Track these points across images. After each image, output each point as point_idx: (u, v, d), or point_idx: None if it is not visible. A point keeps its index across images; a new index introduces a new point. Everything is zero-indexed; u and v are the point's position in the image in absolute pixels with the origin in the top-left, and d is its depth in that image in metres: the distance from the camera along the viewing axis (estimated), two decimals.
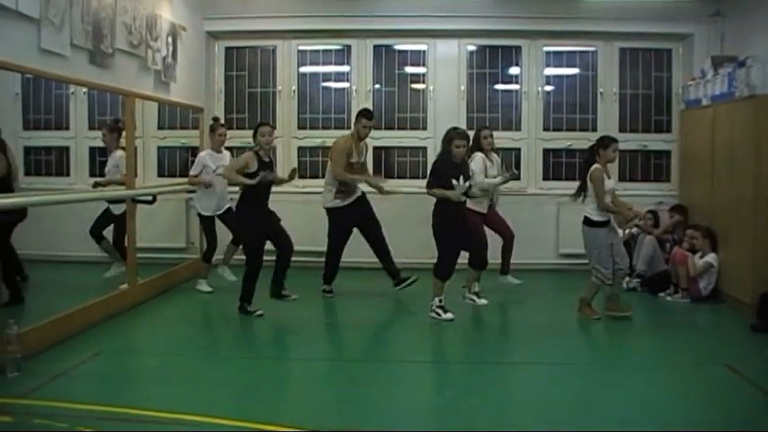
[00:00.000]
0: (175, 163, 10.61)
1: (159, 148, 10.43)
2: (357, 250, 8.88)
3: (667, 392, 5.51)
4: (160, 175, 10.38)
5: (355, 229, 8.63)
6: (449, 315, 7.46)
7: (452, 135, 7.53)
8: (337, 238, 8.52)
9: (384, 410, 5.14)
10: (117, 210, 8.15)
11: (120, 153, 8.19)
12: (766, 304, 7.37)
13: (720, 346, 6.86)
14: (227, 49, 10.87)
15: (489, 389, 5.68)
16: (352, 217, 8.50)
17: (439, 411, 5.25)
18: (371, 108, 10.26)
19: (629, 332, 7.43)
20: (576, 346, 6.90)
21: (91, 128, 9.34)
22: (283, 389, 5.79)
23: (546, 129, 10.68)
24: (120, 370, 5.97)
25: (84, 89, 8.59)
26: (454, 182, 7.37)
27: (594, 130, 10.60)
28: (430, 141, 10.57)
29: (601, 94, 10.64)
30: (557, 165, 10.71)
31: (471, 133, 8.34)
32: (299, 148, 10.76)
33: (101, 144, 8.61)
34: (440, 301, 7.54)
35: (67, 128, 9.04)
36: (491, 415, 5.09)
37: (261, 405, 5.22)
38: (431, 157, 10.44)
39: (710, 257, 8.51)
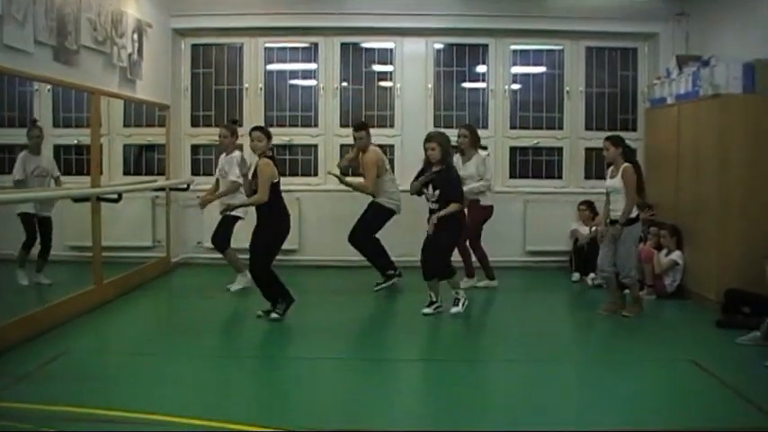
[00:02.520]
0: (141, 160, 10.53)
1: (125, 145, 10.35)
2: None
3: (633, 388, 5.54)
4: (126, 173, 10.29)
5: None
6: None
7: (425, 139, 7.71)
8: None
9: (367, 410, 5.15)
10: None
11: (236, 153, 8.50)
12: (731, 300, 7.46)
13: (686, 342, 6.92)
14: (194, 46, 10.77)
15: (457, 386, 5.67)
16: None
17: (402, 410, 5.24)
18: (339, 105, 10.38)
19: (596, 329, 7.50)
20: (541, 343, 6.88)
21: (55, 125, 9.25)
22: (254, 388, 5.76)
23: (513, 127, 10.70)
24: (86, 370, 5.87)
25: (49, 86, 8.47)
26: (425, 191, 7.55)
27: (561, 128, 10.72)
28: (397, 139, 10.57)
29: (567, 92, 10.69)
30: (523, 163, 10.74)
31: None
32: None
33: (66, 141, 8.52)
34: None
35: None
36: (458, 413, 5.08)
37: (230, 404, 5.18)
38: (398, 155, 10.54)
39: (676, 255, 8.59)
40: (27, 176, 8.04)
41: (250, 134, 7.31)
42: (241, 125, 10.16)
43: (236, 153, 8.55)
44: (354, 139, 8.78)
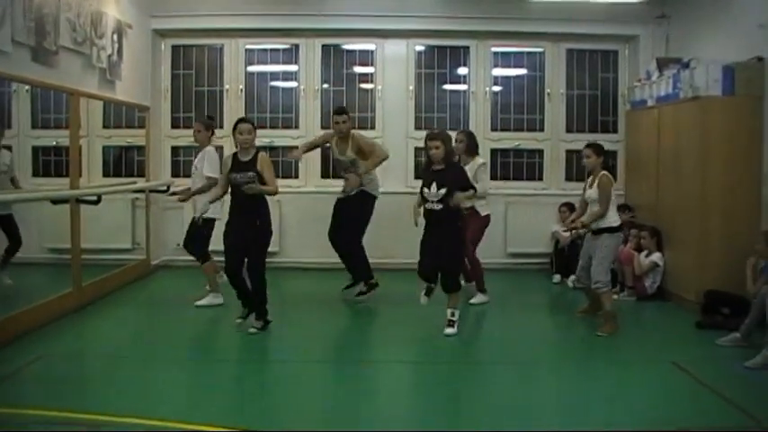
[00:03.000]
0: (121, 162, 10.46)
1: (105, 147, 10.27)
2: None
3: (615, 390, 5.57)
4: (105, 174, 10.22)
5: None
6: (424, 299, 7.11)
7: (426, 137, 7.24)
8: None
9: (348, 412, 5.15)
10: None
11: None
12: (711, 301, 7.51)
13: (667, 344, 6.95)
14: (174, 47, 10.72)
15: (438, 389, 5.70)
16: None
17: (383, 412, 5.23)
18: (320, 107, 10.34)
19: (576, 330, 7.49)
20: (522, 345, 6.91)
21: (34, 126, 9.16)
22: (230, 391, 5.70)
23: (494, 129, 10.71)
24: (64, 373, 5.83)
25: (27, 87, 8.39)
26: (425, 191, 7.03)
27: (542, 130, 10.75)
28: (378, 141, 10.49)
29: (548, 94, 10.72)
30: (504, 165, 10.75)
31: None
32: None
33: (43, 143, 8.46)
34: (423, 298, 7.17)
35: (9, 126, 8.82)
36: (439, 415, 5.10)
37: (208, 407, 5.15)
38: None
39: (656, 256, 8.64)
40: None
41: (236, 127, 7.04)
42: (222, 127, 10.19)
43: (210, 148, 8.27)
44: (335, 124, 8.40)
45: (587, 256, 7.43)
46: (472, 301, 8.36)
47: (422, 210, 7.09)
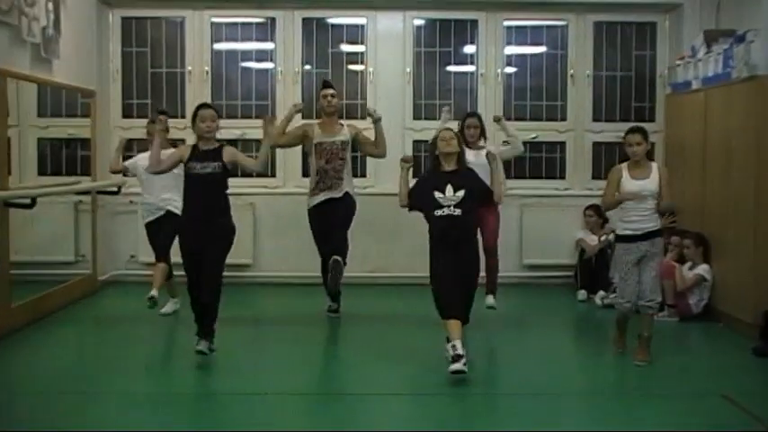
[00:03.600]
0: (60, 158, 10.35)
1: (40, 139, 10.09)
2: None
3: (654, 428, 5.53)
4: (41, 172, 10.03)
5: None
6: (456, 366, 6.38)
7: (435, 137, 7.07)
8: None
9: None
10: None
11: None
12: None
13: (717, 374, 6.87)
14: (125, 19, 10.61)
15: (447, 423, 5.70)
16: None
17: None
18: (301, 92, 10.30)
19: (607, 357, 7.40)
20: (548, 373, 6.83)
21: None
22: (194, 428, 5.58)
23: (507, 118, 10.47)
24: None
25: None
26: (438, 194, 6.71)
27: (564, 119, 10.71)
28: (369, 132, 10.37)
29: (571, 76, 10.66)
30: (519, 160, 10.50)
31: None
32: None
33: None
34: (452, 347, 6.49)
35: None
36: None
37: None
38: None
39: (702, 269, 8.55)
40: None
41: (197, 113, 6.95)
42: (183, 116, 10.05)
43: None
44: (323, 98, 8.42)
45: (636, 270, 7.05)
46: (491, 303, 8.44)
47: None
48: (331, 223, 8.22)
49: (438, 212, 6.69)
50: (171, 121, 8.22)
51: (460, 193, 6.67)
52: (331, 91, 8.43)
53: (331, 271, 7.92)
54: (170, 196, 8.16)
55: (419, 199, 6.86)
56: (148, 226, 8.44)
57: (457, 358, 6.37)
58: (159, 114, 8.25)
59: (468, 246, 6.81)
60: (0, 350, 7.32)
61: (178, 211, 7.61)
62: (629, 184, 6.93)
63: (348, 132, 8.43)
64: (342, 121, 8.56)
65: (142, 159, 8.24)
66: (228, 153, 6.93)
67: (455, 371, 6.34)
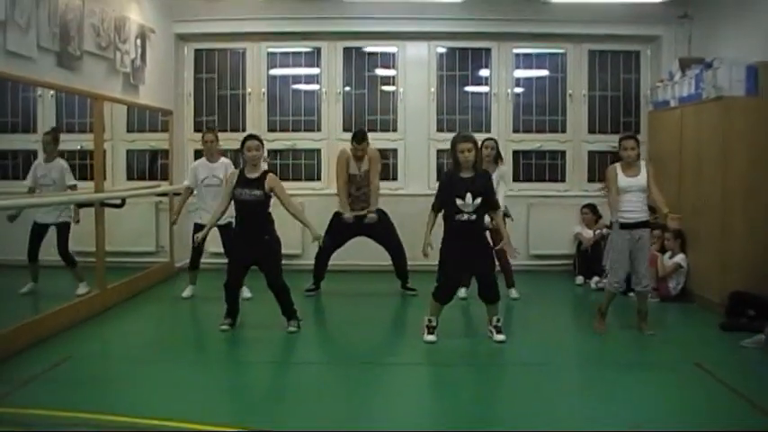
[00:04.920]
0: (144, 166, 10.58)
1: (128, 151, 10.38)
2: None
3: (637, 391, 5.54)
4: (129, 178, 10.33)
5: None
6: (431, 337, 6.82)
7: (455, 139, 6.76)
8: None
9: (369, 412, 5.17)
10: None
11: None
12: (735, 303, 7.47)
13: (691, 346, 6.90)
14: (197, 51, 10.80)
15: (460, 390, 5.72)
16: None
17: (403, 412, 5.25)
18: (342, 110, 10.42)
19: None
20: (545, 346, 6.87)
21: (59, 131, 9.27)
22: (256, 392, 5.76)
23: (515, 130, 10.71)
24: (90, 375, 5.88)
25: (52, 92, 8.50)
26: (459, 202, 6.59)
27: (564, 131, 10.73)
28: (400, 143, 10.61)
29: (570, 95, 10.71)
30: (526, 166, 10.75)
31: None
32: (269, 151, 10.66)
33: (69, 147, 8.55)
34: (428, 321, 6.89)
35: (35, 131, 8.94)
36: (461, 415, 5.11)
37: (235, 409, 5.20)
38: (401, 159, 10.65)
39: (679, 258, 8.61)
40: (36, 184, 8.18)
41: (244, 143, 7.06)
42: (244, 130, 10.32)
43: (228, 161, 8.55)
44: (354, 149, 8.65)
45: (629, 256, 7.12)
46: (515, 296, 8.67)
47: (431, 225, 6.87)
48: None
49: (458, 217, 6.60)
50: (233, 135, 8.41)
51: (478, 201, 6.58)
52: (361, 146, 8.64)
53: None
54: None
55: (444, 205, 6.71)
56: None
57: (432, 330, 6.83)
58: (209, 130, 8.47)
59: (479, 242, 6.80)
60: (98, 323, 7.53)
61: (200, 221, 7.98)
62: (623, 181, 7.04)
63: (367, 165, 8.73)
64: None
65: (203, 170, 8.36)
66: (270, 181, 6.97)
67: (429, 341, 6.77)
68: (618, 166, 7.18)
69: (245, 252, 7.04)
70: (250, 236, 7.02)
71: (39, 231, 8.11)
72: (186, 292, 8.68)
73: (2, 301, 7.65)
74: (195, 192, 8.47)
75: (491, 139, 8.68)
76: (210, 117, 10.76)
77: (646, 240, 7.14)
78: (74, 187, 8.20)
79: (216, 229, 7.83)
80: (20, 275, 8.27)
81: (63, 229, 8.20)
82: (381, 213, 8.79)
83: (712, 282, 8.10)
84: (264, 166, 7.27)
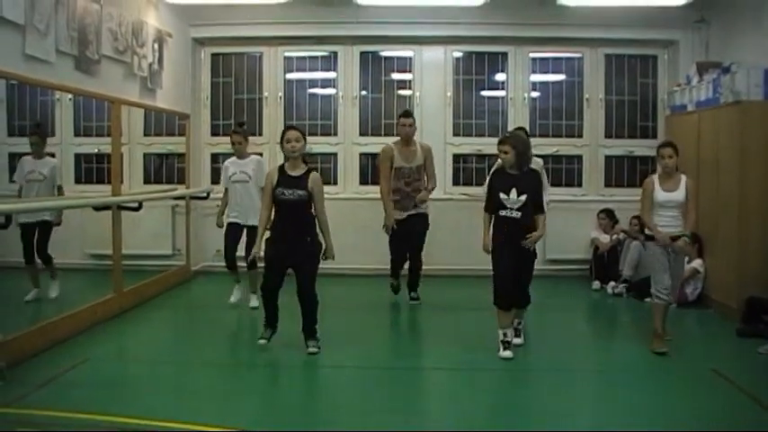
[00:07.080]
0: (161, 169, 10.62)
1: (145, 154, 10.43)
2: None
3: (655, 397, 5.53)
4: (146, 181, 10.37)
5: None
6: (506, 353, 6.47)
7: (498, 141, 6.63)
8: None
9: (386, 416, 5.17)
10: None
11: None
12: (752, 309, 7.40)
13: (707, 351, 6.92)
14: (214, 55, 10.85)
15: (474, 393, 5.74)
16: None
17: (420, 415, 5.27)
18: (358, 114, 10.44)
19: (617, 338, 7.52)
20: (561, 351, 6.86)
21: (76, 134, 9.38)
22: (272, 396, 5.78)
23: (532, 135, 10.50)
24: (107, 377, 5.92)
25: (70, 95, 8.56)
26: (503, 196, 6.42)
27: (581, 136, 10.70)
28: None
29: (587, 100, 10.67)
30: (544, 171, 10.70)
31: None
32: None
33: (86, 150, 8.59)
34: (502, 335, 6.54)
35: (53, 134, 8.99)
36: (475, 419, 5.13)
37: (247, 412, 5.19)
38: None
39: (696, 263, 8.58)
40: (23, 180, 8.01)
41: (284, 134, 6.63)
42: (261, 134, 10.45)
43: (261, 158, 8.55)
44: (402, 126, 8.40)
45: (667, 269, 6.75)
46: None
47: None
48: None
49: (502, 213, 6.43)
50: (250, 139, 8.42)
51: (523, 198, 6.37)
52: (408, 120, 8.39)
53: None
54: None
55: (493, 201, 6.50)
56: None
57: (506, 345, 6.47)
58: (239, 126, 8.45)
59: (519, 244, 6.45)
60: (115, 325, 7.58)
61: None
62: (660, 194, 6.68)
63: (422, 159, 8.46)
64: (417, 145, 8.53)
65: (232, 167, 8.21)
66: (312, 181, 6.51)
67: (504, 358, 6.41)
68: (656, 178, 6.82)
69: (283, 255, 6.48)
70: (291, 238, 6.48)
71: (25, 232, 7.92)
72: (233, 298, 8.47)
73: (16, 305, 7.71)
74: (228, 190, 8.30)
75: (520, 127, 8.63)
76: (227, 121, 10.77)
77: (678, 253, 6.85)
78: (60, 188, 8.16)
79: (246, 229, 7.94)
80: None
81: (43, 228, 8.01)
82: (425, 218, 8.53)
83: (729, 287, 8.05)
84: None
